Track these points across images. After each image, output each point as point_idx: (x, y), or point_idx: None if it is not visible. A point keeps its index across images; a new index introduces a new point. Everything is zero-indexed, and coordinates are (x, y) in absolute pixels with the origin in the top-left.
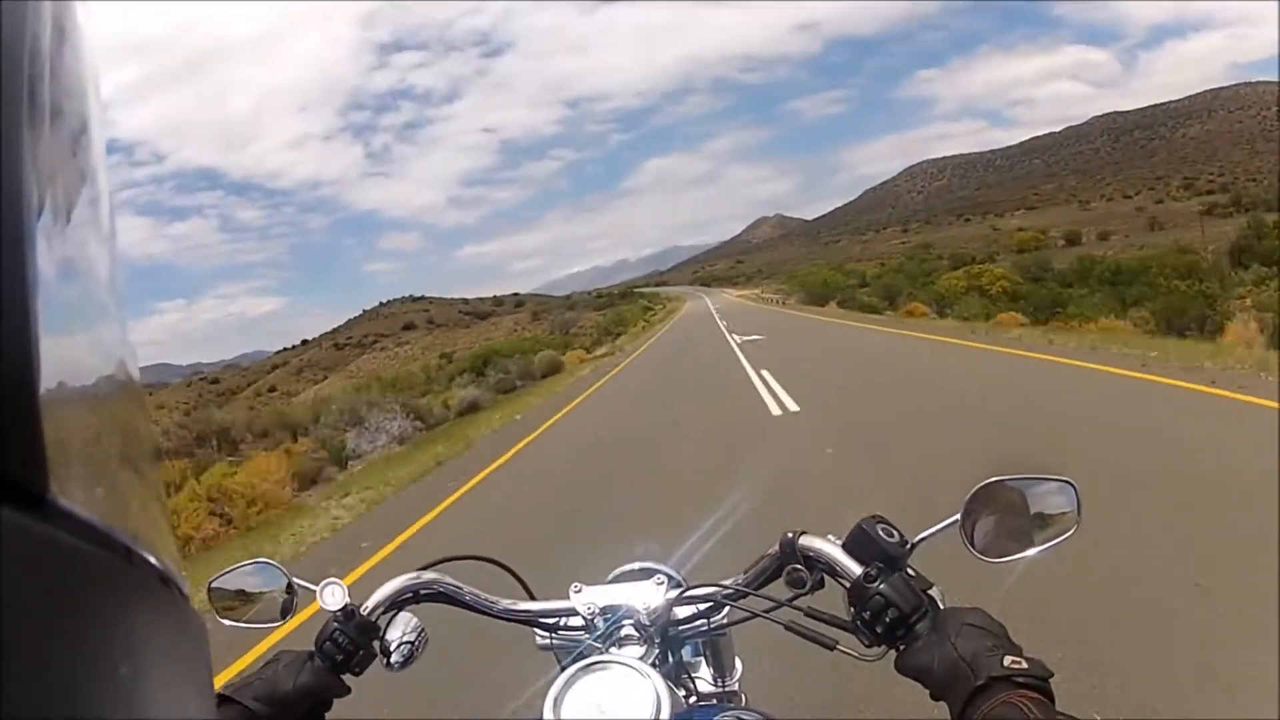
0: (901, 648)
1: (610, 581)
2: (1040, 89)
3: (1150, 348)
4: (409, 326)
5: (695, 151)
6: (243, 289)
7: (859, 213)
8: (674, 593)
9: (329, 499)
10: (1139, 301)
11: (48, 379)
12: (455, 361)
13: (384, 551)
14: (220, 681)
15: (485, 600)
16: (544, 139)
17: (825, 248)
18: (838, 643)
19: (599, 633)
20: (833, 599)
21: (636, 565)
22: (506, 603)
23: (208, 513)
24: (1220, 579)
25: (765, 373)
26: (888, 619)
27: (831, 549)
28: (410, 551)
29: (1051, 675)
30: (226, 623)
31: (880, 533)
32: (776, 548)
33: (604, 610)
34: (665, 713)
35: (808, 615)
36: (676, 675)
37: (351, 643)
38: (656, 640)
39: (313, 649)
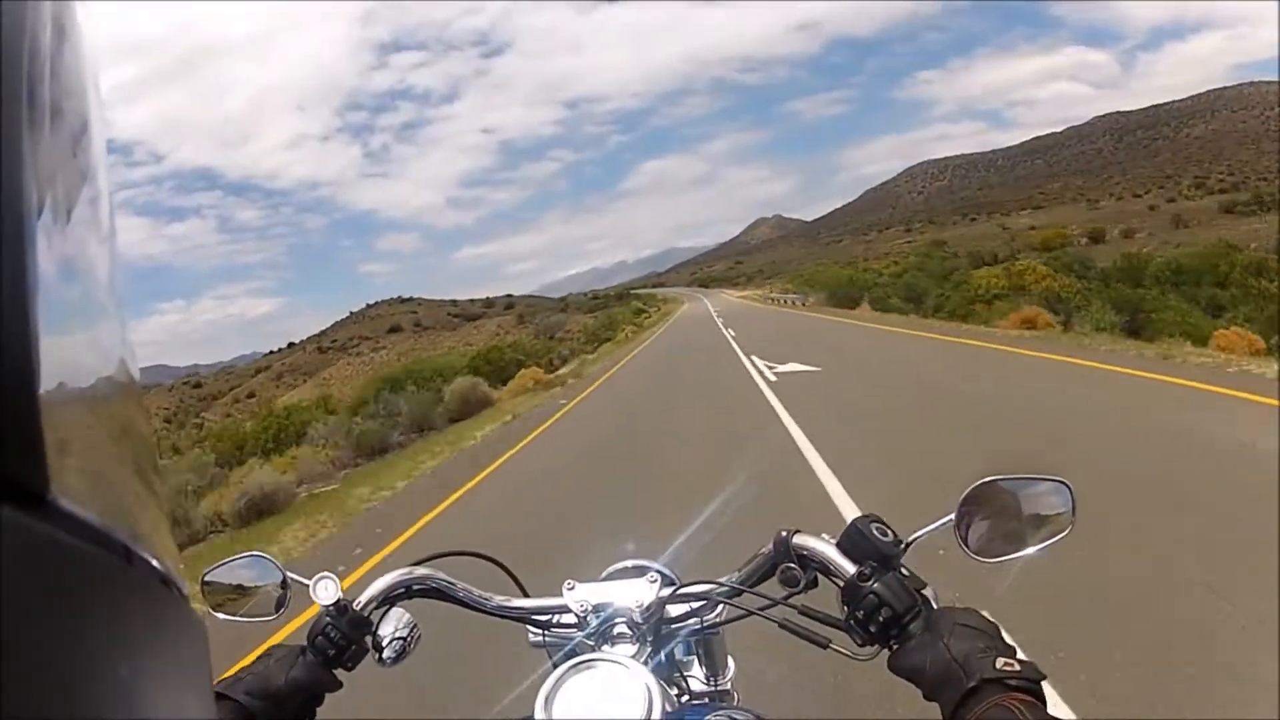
0: (894, 647)
1: (604, 579)
2: (1040, 90)
3: None
4: (394, 329)
5: (693, 153)
6: (241, 290)
7: (859, 213)
8: (667, 590)
9: None
10: (1217, 304)
11: (48, 379)
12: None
13: None
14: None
15: (478, 597)
16: (542, 140)
17: (826, 248)
18: (831, 641)
19: (592, 630)
20: (826, 598)
21: (630, 563)
22: (500, 599)
23: None
24: None
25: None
26: (881, 618)
27: (825, 548)
28: None
29: (1044, 677)
30: (220, 616)
31: (874, 532)
32: (770, 546)
33: (597, 608)
34: (657, 711)
35: (801, 613)
36: (669, 673)
37: (344, 638)
38: (649, 638)
39: (305, 644)
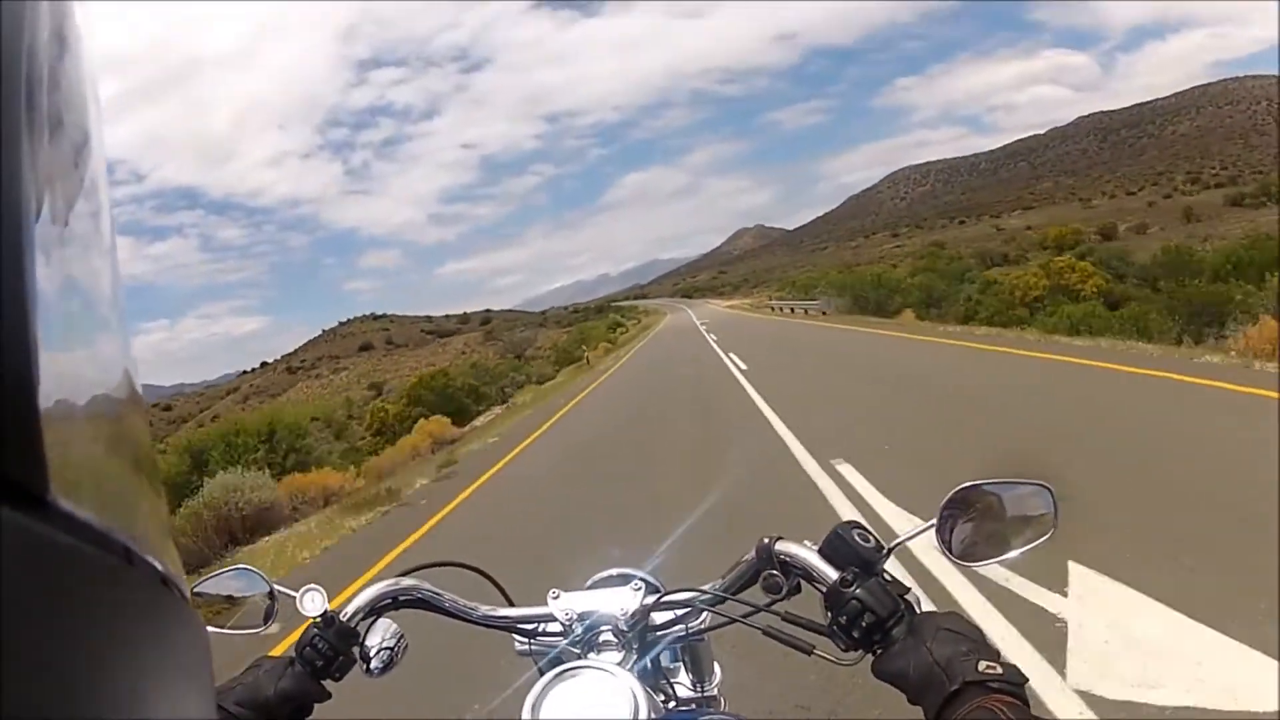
0: (878, 652)
1: (588, 587)
2: (1020, 94)
3: None
4: (366, 347)
5: (674, 164)
6: (224, 309)
7: (841, 220)
8: (651, 598)
9: None
10: None
11: (48, 380)
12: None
13: None
14: None
15: (464, 606)
16: (523, 154)
17: (811, 255)
18: (815, 647)
19: (577, 638)
20: (810, 604)
21: (614, 571)
22: (485, 609)
23: None
24: None
25: None
26: (864, 623)
27: (808, 554)
28: None
29: (1026, 680)
30: (209, 630)
31: (856, 538)
32: (753, 553)
33: (582, 616)
34: (644, 716)
35: (785, 620)
36: (655, 680)
37: (331, 648)
38: (634, 645)
39: (294, 655)
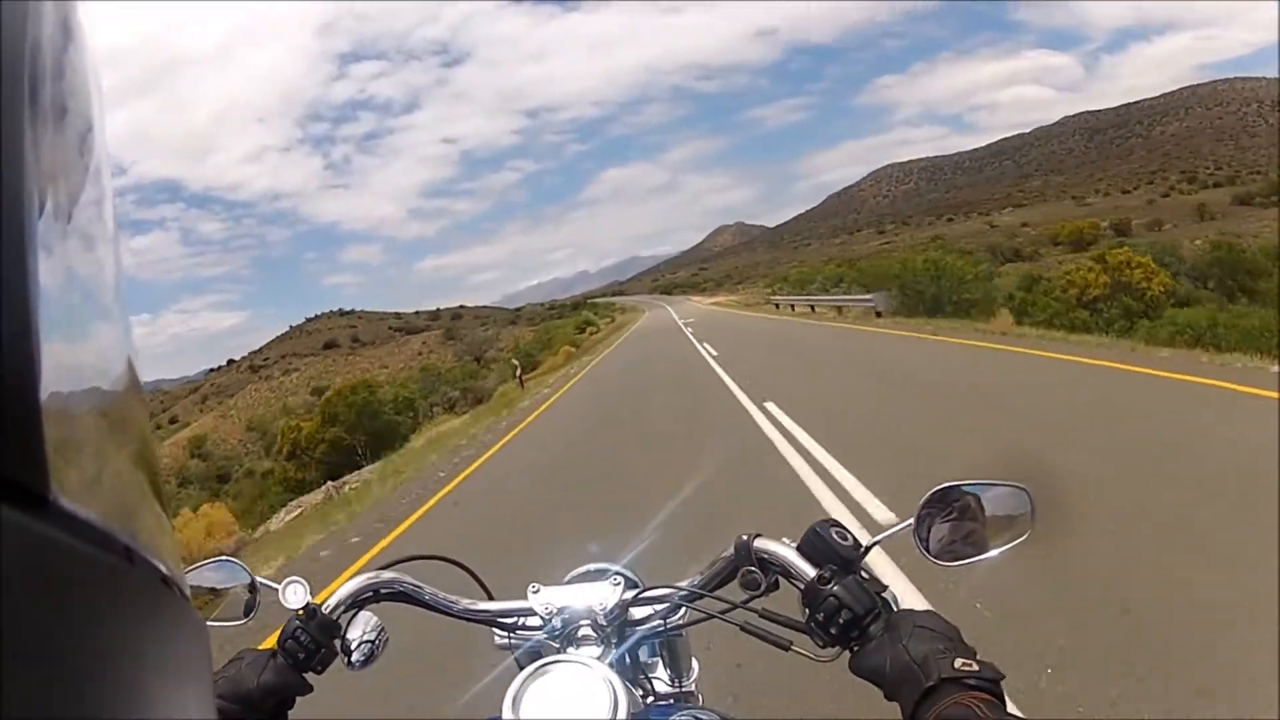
0: (855, 649)
1: (567, 582)
2: (1002, 94)
3: None
4: (330, 345)
5: (654, 161)
6: (204, 303)
7: (823, 218)
8: (630, 593)
9: None
10: None
11: (49, 379)
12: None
13: None
14: None
15: (445, 600)
16: (503, 150)
17: (794, 251)
18: (792, 643)
19: (556, 632)
20: (788, 601)
21: (594, 566)
22: (466, 602)
23: None
24: None
25: None
26: (841, 620)
27: (786, 551)
28: None
29: (1003, 677)
30: None
31: (834, 536)
32: (731, 550)
33: (561, 610)
34: (622, 712)
35: (762, 616)
36: (634, 675)
37: (313, 641)
38: (613, 640)
39: (276, 647)
